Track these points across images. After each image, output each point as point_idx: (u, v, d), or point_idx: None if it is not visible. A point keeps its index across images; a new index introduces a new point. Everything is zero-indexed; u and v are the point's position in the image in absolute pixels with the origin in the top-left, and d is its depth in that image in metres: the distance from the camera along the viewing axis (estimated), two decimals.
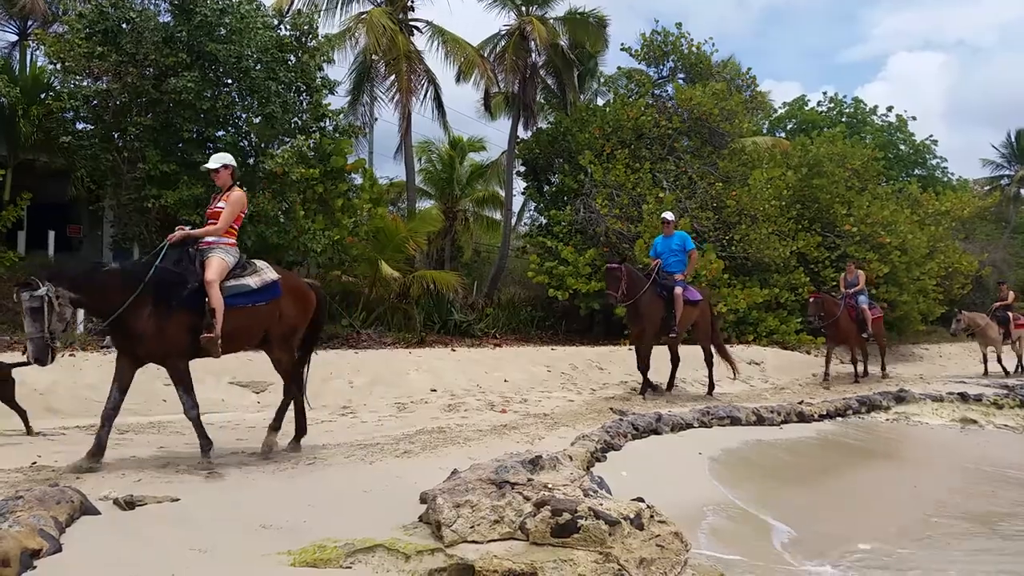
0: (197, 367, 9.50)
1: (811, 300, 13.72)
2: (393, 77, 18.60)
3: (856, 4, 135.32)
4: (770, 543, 4.77)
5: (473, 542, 3.83)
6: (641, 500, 4.21)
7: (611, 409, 9.39)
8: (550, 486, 4.27)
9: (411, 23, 19.83)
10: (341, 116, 14.77)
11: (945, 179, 34.27)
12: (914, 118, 32.80)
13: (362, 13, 18.58)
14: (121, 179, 12.50)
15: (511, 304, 19.19)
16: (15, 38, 21.27)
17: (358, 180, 17.24)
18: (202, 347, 5.50)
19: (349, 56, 18.84)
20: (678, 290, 10.49)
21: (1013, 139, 41.64)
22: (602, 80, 24.41)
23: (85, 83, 12.32)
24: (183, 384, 5.58)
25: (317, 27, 14.10)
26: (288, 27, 13.64)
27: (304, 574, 3.45)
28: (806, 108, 31.77)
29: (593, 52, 22.83)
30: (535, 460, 4.69)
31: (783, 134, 29.58)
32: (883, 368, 15.96)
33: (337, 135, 14.40)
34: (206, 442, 5.52)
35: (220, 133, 12.73)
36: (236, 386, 9.21)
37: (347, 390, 9.78)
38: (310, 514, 4.25)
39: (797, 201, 20.15)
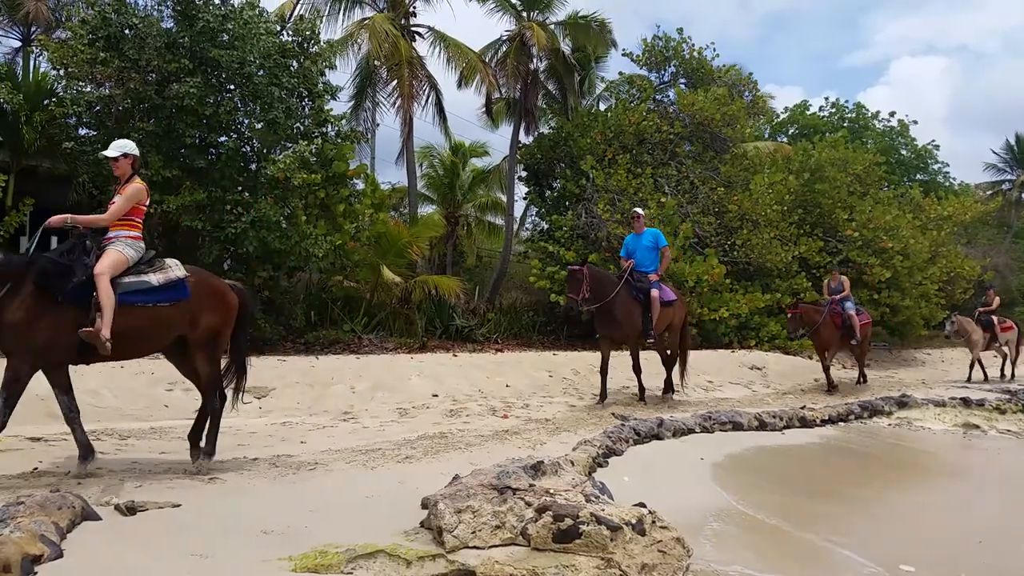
0: None
1: (789, 316, 13.46)
2: (395, 82, 18.65)
3: (858, 10, 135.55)
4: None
5: (475, 548, 3.83)
6: (643, 505, 4.20)
7: (613, 414, 9.39)
8: (552, 491, 4.26)
9: (413, 29, 19.90)
10: (343, 122, 14.80)
11: (947, 184, 34.30)
12: (915, 123, 32.85)
13: (364, 19, 18.64)
14: None
15: (513, 309, 19.19)
16: (18, 44, 21.34)
17: (360, 185, 17.29)
18: (89, 346, 5.10)
19: (351, 62, 18.92)
20: (655, 292, 10.03)
21: (1014, 144, 41.66)
22: (604, 85, 24.47)
23: (88, 89, 12.35)
24: (6, 389, 5.04)
25: (319, 33, 14.13)
26: (290, 33, 13.68)
27: None
28: (808, 113, 31.81)
29: (596, 57, 22.89)
30: (537, 465, 4.68)
31: (785, 139, 29.61)
32: (863, 377, 15.54)
33: (339, 140, 14.43)
34: None
35: (222, 139, 12.74)
36: None
37: (349, 395, 9.77)
38: (311, 520, 4.25)
39: (799, 206, 20.16)
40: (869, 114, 32.39)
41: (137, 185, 5.67)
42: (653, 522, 4.02)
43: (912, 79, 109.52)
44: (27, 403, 7.58)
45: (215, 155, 12.67)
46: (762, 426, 9.24)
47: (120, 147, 5.72)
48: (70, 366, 5.45)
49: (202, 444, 5.81)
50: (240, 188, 12.58)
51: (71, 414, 5.39)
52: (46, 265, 5.05)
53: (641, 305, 9.96)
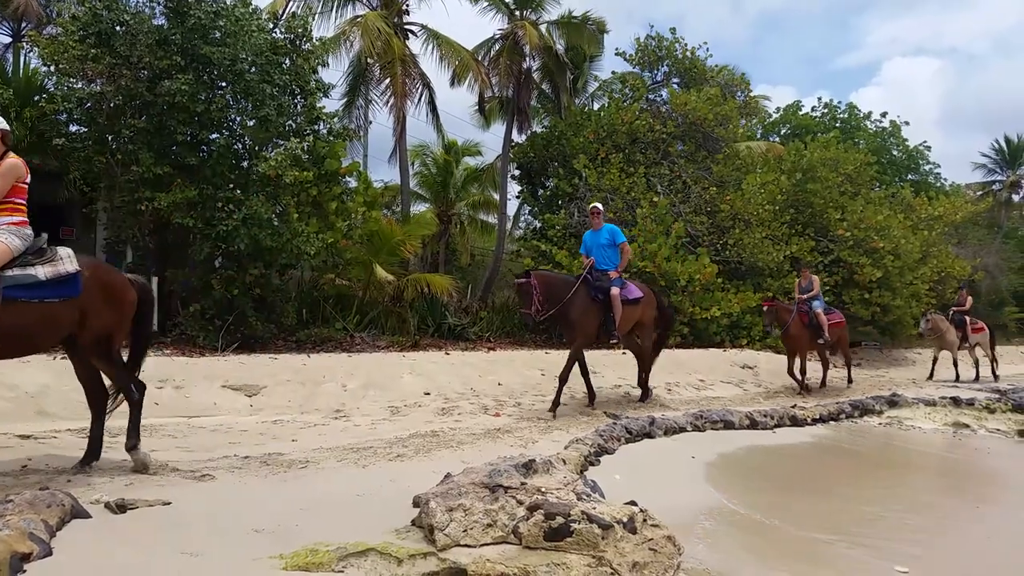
0: (191, 371, 9.52)
1: (765, 308, 13.19)
2: (388, 80, 18.62)
3: (850, 11, 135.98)
4: None
5: (466, 546, 3.83)
6: (634, 504, 4.21)
7: (605, 413, 9.40)
8: (543, 490, 4.26)
9: (406, 27, 19.87)
10: (336, 119, 14.76)
11: (938, 184, 34.44)
12: (907, 123, 32.90)
13: (357, 16, 18.61)
14: (114, 181, 12.46)
15: (505, 308, 19.18)
16: (8, 40, 21.24)
17: (352, 183, 17.24)
18: None
19: (344, 59, 18.89)
20: (615, 291, 9.43)
21: (1004, 145, 41.91)
22: (597, 84, 24.51)
23: (79, 85, 12.28)
24: None
25: (312, 30, 14.09)
26: (283, 30, 13.63)
27: None
28: (800, 113, 31.90)
29: (589, 56, 22.90)
30: (528, 464, 4.68)
31: (777, 139, 29.68)
32: (848, 378, 15.31)
33: (331, 138, 14.39)
34: None
35: (214, 136, 12.70)
36: (229, 389, 9.19)
37: (340, 393, 9.76)
38: (302, 518, 4.24)
39: (791, 206, 20.23)
40: (861, 115, 32.49)
41: (12, 161, 5.11)
42: (644, 520, 4.02)
43: (904, 80, 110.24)
44: (16, 400, 7.57)
45: (206, 152, 12.62)
46: (753, 425, 9.28)
47: None
48: None
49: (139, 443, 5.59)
50: (231, 185, 12.54)
51: None
52: None
53: (601, 305, 9.42)
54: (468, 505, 4.03)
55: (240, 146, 13.01)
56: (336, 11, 19.08)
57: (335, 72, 25.11)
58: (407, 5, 19.96)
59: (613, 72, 23.73)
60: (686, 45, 22.35)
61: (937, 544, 5.09)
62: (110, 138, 12.43)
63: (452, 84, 20.50)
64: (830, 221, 20.09)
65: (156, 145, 12.09)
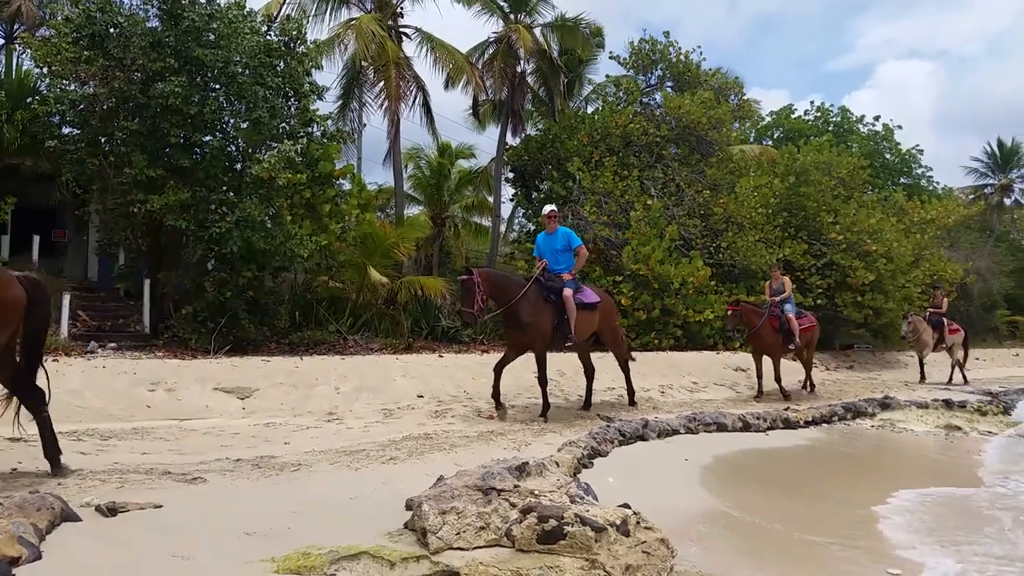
0: (183, 373, 9.48)
1: (728, 312, 12.62)
2: (382, 83, 18.61)
3: (843, 14, 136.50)
4: None
5: (459, 549, 3.82)
6: (627, 506, 4.21)
7: (598, 415, 9.40)
8: (536, 492, 4.25)
9: (400, 30, 19.87)
10: (329, 122, 14.77)
11: (930, 188, 34.60)
12: (900, 127, 33.09)
13: (351, 19, 18.60)
14: (107, 184, 12.43)
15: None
16: (1, 42, 21.13)
17: (346, 186, 17.25)
18: None
19: (338, 62, 18.87)
20: (567, 291, 8.98)
21: (996, 148, 42.12)
22: (591, 87, 24.54)
23: (72, 87, 12.26)
24: None
25: (306, 33, 14.09)
26: (276, 33, 13.63)
27: None
28: (793, 117, 32.02)
29: (584, 59, 22.95)
30: (522, 466, 4.67)
31: (770, 143, 29.78)
32: (808, 383, 14.36)
33: (325, 141, 14.39)
34: None
35: (207, 138, 12.68)
36: (221, 392, 9.16)
37: (333, 396, 9.73)
38: (294, 521, 4.22)
39: (784, 209, 20.28)
40: (854, 118, 32.64)
41: None
42: (638, 523, 4.02)
43: (897, 83, 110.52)
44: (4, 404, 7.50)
45: (200, 154, 12.60)
46: (746, 427, 9.29)
47: None
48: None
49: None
50: (225, 188, 12.52)
51: None
52: None
53: (553, 307, 8.99)
54: (461, 508, 4.02)
55: (233, 148, 12.99)
56: (330, 14, 19.09)
57: (329, 75, 25.18)
58: (401, 8, 19.98)
59: (607, 75, 23.78)
60: (680, 49, 22.46)
61: (927, 546, 5.10)
62: (103, 140, 12.41)
63: (446, 87, 20.52)
64: (823, 224, 20.14)
65: (149, 147, 12.07)
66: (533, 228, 20.39)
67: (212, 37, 12.15)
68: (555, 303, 9.00)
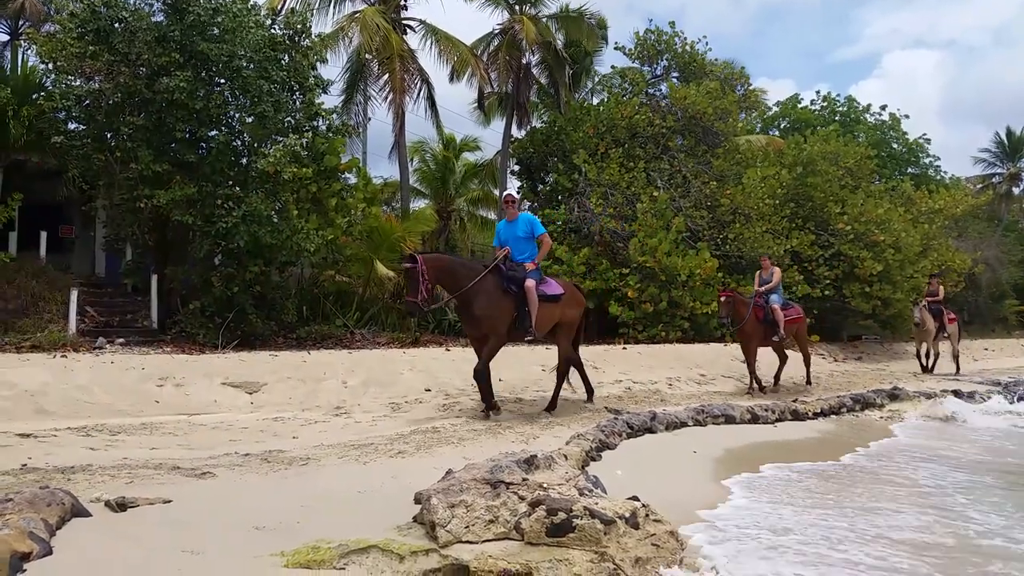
0: (191, 368, 9.50)
1: (722, 299, 12.15)
2: (386, 76, 18.59)
3: (850, 4, 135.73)
4: None
5: (468, 542, 3.81)
6: (636, 499, 4.20)
7: (606, 408, 9.39)
8: (545, 486, 4.25)
9: (404, 22, 19.83)
10: (334, 115, 14.74)
11: (938, 177, 34.39)
12: (907, 116, 32.82)
13: (355, 12, 18.56)
14: (113, 179, 12.44)
15: None
16: (7, 38, 21.20)
17: (352, 180, 17.23)
18: None
19: (343, 55, 18.86)
20: (530, 282, 8.38)
21: (1004, 138, 41.85)
22: (597, 79, 24.46)
23: (77, 83, 12.26)
24: None
25: (310, 26, 14.07)
26: (281, 26, 13.60)
27: (297, 575, 3.43)
28: (799, 107, 31.84)
29: (590, 50, 22.86)
30: (530, 460, 4.66)
31: (777, 133, 29.63)
32: (807, 378, 13.81)
33: (330, 134, 14.37)
34: None
35: (212, 133, 12.68)
36: (229, 387, 9.17)
37: (341, 390, 9.74)
38: (303, 515, 4.23)
39: (791, 200, 20.20)
40: (860, 108, 32.44)
41: None
42: (647, 516, 4.01)
43: (904, 72, 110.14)
44: (16, 399, 7.55)
45: (205, 149, 12.60)
46: (755, 419, 9.27)
47: None
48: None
49: None
50: (231, 182, 12.53)
51: None
52: None
53: (513, 298, 8.40)
54: (470, 501, 4.01)
55: (239, 143, 12.99)
56: (334, 6, 19.05)
57: (334, 68, 25.14)
58: (405, 0, 19.92)
59: (612, 67, 23.71)
60: (685, 39, 22.34)
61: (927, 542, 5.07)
62: (109, 136, 12.41)
63: (451, 80, 20.49)
64: (830, 215, 20.06)
65: (155, 142, 12.07)
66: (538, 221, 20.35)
67: (217, 31, 12.14)
68: (516, 294, 8.39)
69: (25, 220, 14.62)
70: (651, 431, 7.98)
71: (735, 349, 15.96)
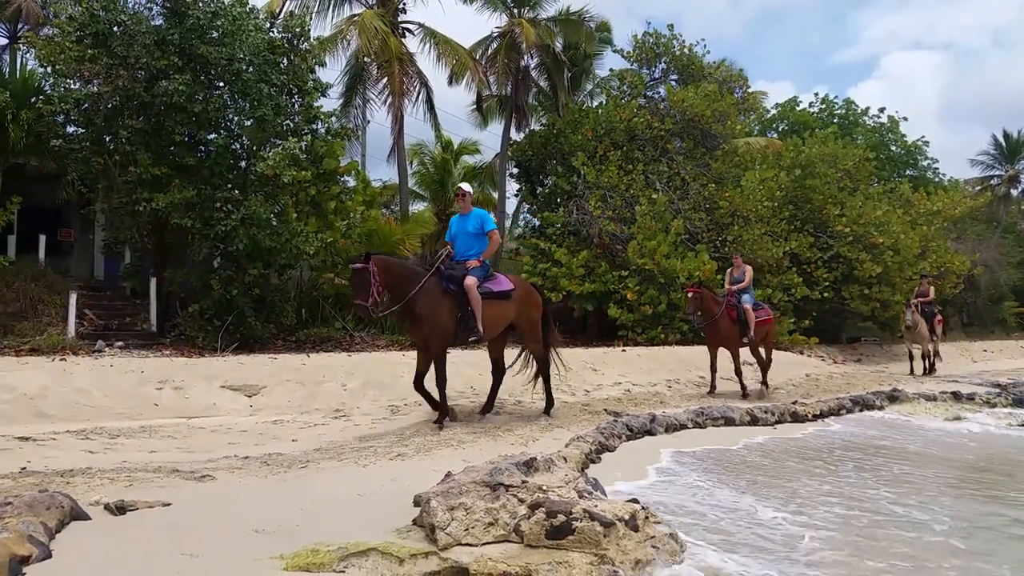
0: (190, 371, 9.50)
1: (690, 295, 11.61)
2: (385, 79, 18.62)
3: (848, 6, 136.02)
4: None
5: (467, 545, 3.81)
6: (636, 501, 4.20)
7: (605, 410, 9.39)
8: (544, 488, 4.24)
9: (403, 25, 19.86)
10: (333, 119, 14.76)
11: (936, 179, 34.44)
12: (905, 119, 32.88)
13: (354, 15, 18.59)
14: (112, 182, 12.45)
15: None
16: (5, 41, 21.20)
17: (351, 182, 17.25)
18: None
19: (341, 58, 18.90)
20: (469, 280, 7.95)
21: (1002, 140, 41.91)
22: (596, 81, 24.49)
23: (76, 86, 12.27)
24: None
25: (309, 29, 14.09)
26: (280, 30, 13.62)
27: None
28: (797, 109, 31.89)
29: (590, 53, 22.89)
30: (529, 462, 4.66)
31: (775, 135, 29.67)
32: (764, 382, 12.60)
33: (329, 138, 14.39)
34: None
35: (212, 136, 12.69)
36: (228, 390, 9.16)
37: (340, 393, 9.73)
38: (303, 518, 4.22)
39: (790, 202, 20.22)
40: (859, 110, 32.50)
41: None
42: (647, 518, 4.01)
43: (903, 75, 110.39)
44: (15, 402, 7.55)
45: (204, 152, 12.61)
46: (754, 421, 9.27)
47: None
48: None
49: None
50: (230, 185, 12.54)
51: None
52: None
53: (455, 299, 8.01)
54: (469, 504, 4.01)
55: (238, 146, 13.00)
56: (333, 10, 19.10)
57: (332, 71, 25.16)
58: (404, 3, 19.97)
59: (611, 69, 23.72)
60: (684, 42, 22.36)
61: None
62: (108, 139, 12.42)
63: (450, 83, 20.51)
64: (829, 217, 20.08)
65: (154, 146, 12.08)
66: (538, 223, 20.37)
67: (216, 34, 12.15)
68: (456, 294, 8.02)
69: (24, 223, 14.63)
70: (651, 433, 7.98)
71: None
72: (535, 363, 9.11)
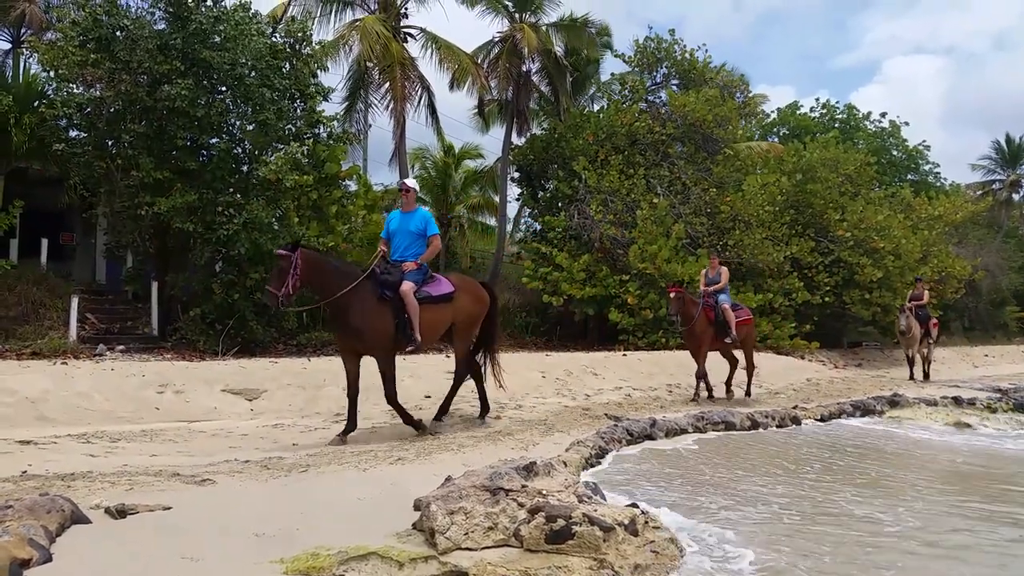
0: (191, 375, 9.51)
1: (672, 295, 11.28)
2: (387, 84, 18.65)
3: (850, 10, 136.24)
4: None
5: (467, 549, 3.81)
6: (635, 506, 4.20)
7: (606, 415, 9.39)
8: (544, 492, 4.25)
9: (405, 30, 19.89)
10: (335, 123, 14.79)
11: (938, 184, 34.45)
12: (906, 123, 32.90)
13: (356, 20, 18.64)
14: (114, 186, 12.48)
15: (506, 310, 19.17)
16: (8, 46, 21.26)
17: (352, 187, 17.28)
18: None
19: (343, 63, 18.94)
20: (406, 286, 7.38)
21: (1004, 145, 41.90)
22: (597, 86, 24.52)
23: (78, 91, 12.32)
24: None
25: (311, 34, 14.13)
26: (282, 34, 13.67)
27: None
28: (798, 114, 31.91)
29: (591, 59, 22.93)
30: (529, 466, 4.67)
31: (776, 139, 29.70)
32: (748, 386, 12.51)
33: (331, 142, 14.42)
34: None
35: (214, 140, 12.73)
36: (229, 394, 9.17)
37: (341, 397, 9.69)
38: (303, 522, 4.23)
39: (791, 206, 20.23)
40: (860, 115, 32.53)
41: None
42: (646, 522, 4.02)
43: (905, 79, 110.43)
44: (17, 406, 7.56)
45: (206, 157, 12.65)
46: (755, 426, 9.27)
47: None
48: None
49: None
50: (232, 190, 12.56)
51: None
52: None
53: (391, 305, 7.44)
54: (469, 508, 4.02)
55: (240, 150, 13.04)
56: (335, 15, 19.15)
57: (335, 76, 25.23)
58: (406, 9, 20.01)
59: (612, 74, 23.76)
60: (685, 47, 22.39)
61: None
62: (110, 143, 12.46)
63: (451, 87, 20.54)
64: (830, 221, 20.08)
65: (156, 150, 12.11)
66: (539, 227, 20.38)
67: (218, 39, 12.20)
68: (392, 299, 7.44)
69: (26, 227, 14.67)
70: (651, 438, 7.98)
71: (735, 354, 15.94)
72: (464, 365, 8.50)
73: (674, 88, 22.27)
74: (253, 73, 12.45)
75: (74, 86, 12.33)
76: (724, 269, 12.33)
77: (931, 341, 17.47)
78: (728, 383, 12.27)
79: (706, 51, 23.26)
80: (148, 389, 8.83)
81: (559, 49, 21.24)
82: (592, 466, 6.32)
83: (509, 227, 24.88)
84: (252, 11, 13.07)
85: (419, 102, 20.15)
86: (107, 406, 8.21)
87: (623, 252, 17.61)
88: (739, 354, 12.41)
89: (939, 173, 35.32)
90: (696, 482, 6.36)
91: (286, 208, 13.05)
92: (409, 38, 19.93)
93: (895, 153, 32.91)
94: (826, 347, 20.25)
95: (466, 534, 3.88)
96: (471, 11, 20.99)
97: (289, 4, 17.68)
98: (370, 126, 20.39)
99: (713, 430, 8.87)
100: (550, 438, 7.57)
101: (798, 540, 4.73)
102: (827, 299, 19.53)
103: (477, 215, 26.90)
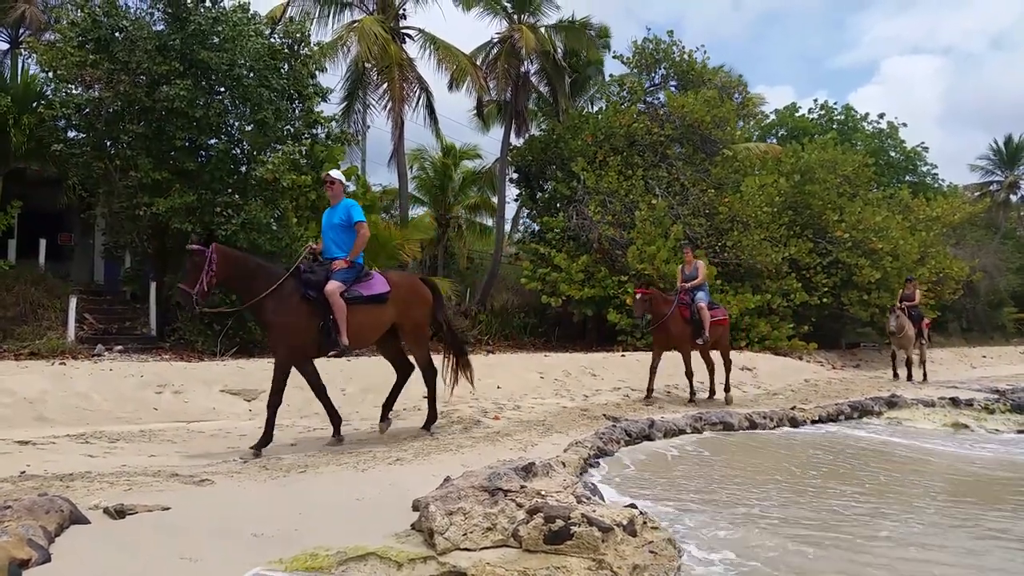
0: (189, 376, 9.51)
1: (637, 297, 10.95)
2: (386, 85, 18.66)
3: (848, 10, 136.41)
4: None
5: (466, 550, 3.82)
6: (634, 506, 4.21)
7: (604, 415, 9.39)
8: (543, 493, 4.25)
9: (403, 31, 19.91)
10: (333, 123, 14.80)
11: (936, 185, 34.48)
12: (904, 125, 32.92)
13: (354, 21, 18.65)
14: (113, 187, 12.48)
15: (504, 311, 19.20)
16: (7, 46, 21.24)
17: (351, 187, 17.25)
18: None
19: (342, 64, 18.94)
20: (331, 286, 6.89)
21: (1002, 146, 41.96)
22: (596, 87, 24.54)
23: (77, 91, 12.31)
24: None
25: (309, 35, 14.14)
26: (280, 35, 13.67)
27: None
28: (796, 115, 31.94)
29: (591, 60, 22.94)
30: (528, 467, 4.67)
31: (775, 140, 29.71)
32: (726, 385, 12.01)
33: (329, 142, 14.43)
34: None
35: (212, 141, 12.73)
36: (227, 394, 9.18)
37: (339, 398, 9.69)
38: (301, 522, 4.23)
39: (789, 207, 20.25)
40: (858, 116, 32.55)
41: None
42: (644, 523, 4.02)
43: (903, 79, 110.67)
44: (15, 406, 7.56)
45: (205, 157, 12.65)
46: (753, 426, 9.29)
47: None
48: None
49: None
50: (230, 190, 12.56)
51: None
52: None
53: (315, 305, 6.95)
54: (468, 509, 4.02)
55: (238, 151, 13.04)
56: (333, 16, 19.15)
57: (333, 77, 25.22)
58: (404, 10, 20.04)
59: (611, 75, 23.77)
60: (683, 48, 22.41)
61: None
62: (109, 144, 12.46)
63: (450, 88, 20.54)
64: (828, 222, 20.10)
65: (155, 150, 12.11)
66: (537, 228, 20.38)
67: (217, 40, 12.20)
68: (317, 299, 6.95)
69: (24, 228, 14.66)
70: (649, 438, 8.00)
71: (734, 356, 15.93)
72: (426, 368, 8.05)
73: (672, 89, 22.29)
74: (251, 74, 12.45)
75: (73, 87, 12.32)
76: (700, 263, 11.90)
77: (924, 341, 17.41)
78: (711, 386, 11.94)
79: (704, 52, 23.30)
80: (146, 389, 8.83)
81: (558, 50, 21.25)
82: (591, 467, 6.32)
83: (507, 228, 24.91)
84: (251, 12, 13.08)
85: (417, 103, 20.16)
86: (106, 406, 8.21)
87: (621, 253, 17.62)
88: (716, 355, 11.99)
89: (937, 174, 35.39)
90: (696, 482, 6.37)
91: (284, 209, 13.05)
92: (407, 39, 19.95)
93: (893, 154, 32.92)
94: (824, 348, 20.27)
95: (465, 535, 3.89)
96: (469, 12, 21.01)
97: (287, 5, 17.71)
98: (368, 127, 20.43)
99: (711, 431, 8.89)
100: (549, 439, 7.57)
101: (798, 540, 4.74)
102: (825, 300, 19.55)
103: (475, 216, 26.91)
